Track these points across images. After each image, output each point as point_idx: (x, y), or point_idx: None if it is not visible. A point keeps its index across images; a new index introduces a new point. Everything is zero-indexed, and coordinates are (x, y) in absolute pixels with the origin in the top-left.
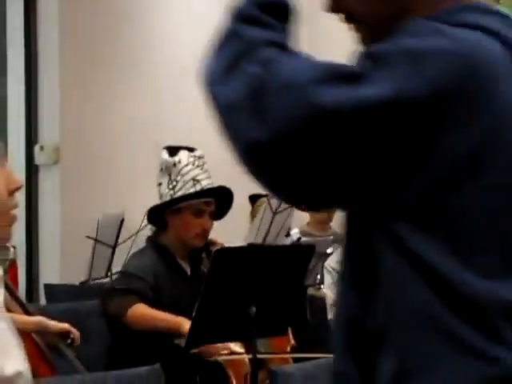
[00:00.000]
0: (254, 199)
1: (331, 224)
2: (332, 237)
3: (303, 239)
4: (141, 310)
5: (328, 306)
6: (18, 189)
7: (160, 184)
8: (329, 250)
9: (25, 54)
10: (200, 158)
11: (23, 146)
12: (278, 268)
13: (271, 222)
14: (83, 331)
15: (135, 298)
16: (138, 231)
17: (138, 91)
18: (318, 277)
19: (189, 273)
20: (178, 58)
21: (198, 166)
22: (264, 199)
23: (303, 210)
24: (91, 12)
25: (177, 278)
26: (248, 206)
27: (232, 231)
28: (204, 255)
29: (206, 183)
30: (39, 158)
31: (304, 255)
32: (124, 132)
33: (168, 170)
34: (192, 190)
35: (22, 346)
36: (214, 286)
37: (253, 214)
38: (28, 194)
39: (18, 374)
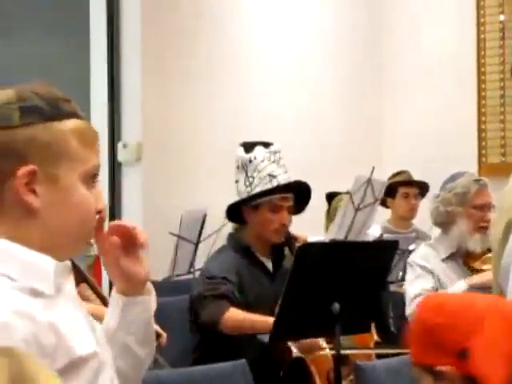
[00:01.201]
0: (330, 198)
1: (412, 221)
2: (414, 234)
3: (385, 236)
4: (235, 316)
5: (407, 302)
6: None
7: (237, 181)
8: (411, 247)
9: (107, 52)
10: (276, 152)
11: (106, 143)
12: (361, 264)
13: (353, 219)
14: (167, 327)
15: (226, 302)
16: (221, 228)
17: (221, 87)
18: (400, 273)
19: (271, 269)
20: (267, 53)
21: (273, 162)
22: (342, 196)
23: (387, 206)
24: (172, 7)
25: (259, 276)
26: (324, 205)
27: (308, 229)
28: (287, 251)
29: (282, 178)
30: (122, 155)
31: (388, 251)
32: (206, 129)
33: (244, 166)
34: (269, 186)
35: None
36: (298, 282)
37: (330, 213)
38: (111, 192)
39: (93, 354)
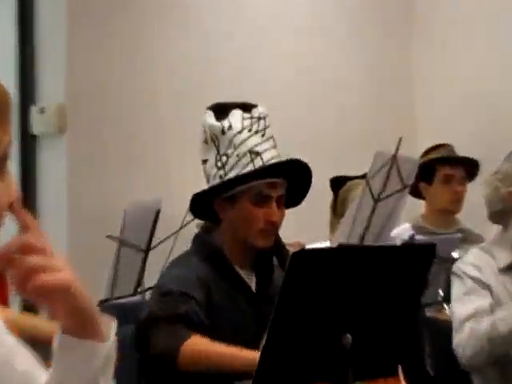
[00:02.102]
0: (337, 185)
1: (457, 216)
2: (460, 234)
3: (418, 237)
4: (199, 347)
5: (455, 327)
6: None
7: (205, 161)
8: (455, 254)
9: None
10: (260, 119)
11: (15, 108)
12: (382, 279)
13: (371, 215)
14: None
15: (186, 328)
16: (181, 228)
17: (183, 28)
18: (441, 292)
19: (254, 287)
20: None
21: (257, 132)
22: (356, 182)
23: (419, 195)
24: None
25: (236, 295)
26: (329, 195)
27: (307, 231)
28: (275, 261)
29: (269, 156)
30: (38, 124)
31: (420, 260)
32: (159, 88)
33: (215, 140)
34: (250, 168)
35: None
36: (292, 306)
37: (337, 207)
38: (22, 173)
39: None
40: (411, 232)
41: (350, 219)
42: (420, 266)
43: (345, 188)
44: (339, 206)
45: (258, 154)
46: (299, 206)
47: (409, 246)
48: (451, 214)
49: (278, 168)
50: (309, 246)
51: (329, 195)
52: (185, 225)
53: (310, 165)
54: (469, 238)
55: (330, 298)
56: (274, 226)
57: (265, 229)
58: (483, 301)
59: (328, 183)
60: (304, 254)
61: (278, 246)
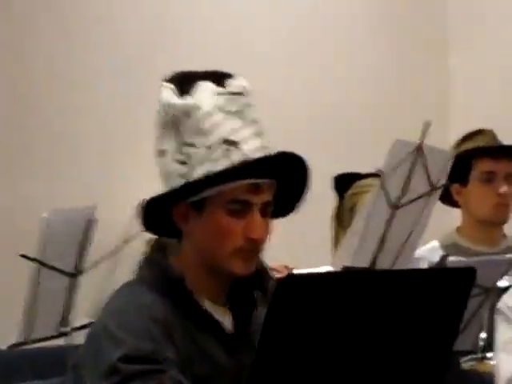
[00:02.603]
0: (343, 185)
1: (503, 231)
2: (509, 255)
3: (451, 259)
4: None
5: None
6: None
7: (162, 153)
8: (502, 283)
9: None
10: (238, 95)
11: None
12: (402, 316)
13: (388, 226)
14: None
15: None
16: (125, 244)
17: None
18: (482, 335)
19: (229, 328)
20: None
21: (234, 114)
22: (368, 183)
23: (451, 202)
24: None
25: (206, 341)
26: (330, 198)
27: (303, 245)
28: (257, 293)
29: (251, 147)
30: None
31: (454, 291)
32: (93, 61)
33: (176, 124)
34: (224, 164)
35: None
36: (278, 348)
37: (340, 215)
38: None
39: None
40: (441, 252)
41: (359, 232)
42: (453, 298)
43: (353, 190)
44: (345, 214)
45: (235, 144)
46: (290, 215)
47: (438, 270)
48: (496, 225)
49: (263, 165)
50: (300, 271)
51: (331, 200)
52: (127, 240)
53: (308, 160)
54: None
55: (329, 340)
56: (257, 245)
57: (244, 248)
58: None
59: (330, 184)
60: (294, 282)
61: (259, 270)
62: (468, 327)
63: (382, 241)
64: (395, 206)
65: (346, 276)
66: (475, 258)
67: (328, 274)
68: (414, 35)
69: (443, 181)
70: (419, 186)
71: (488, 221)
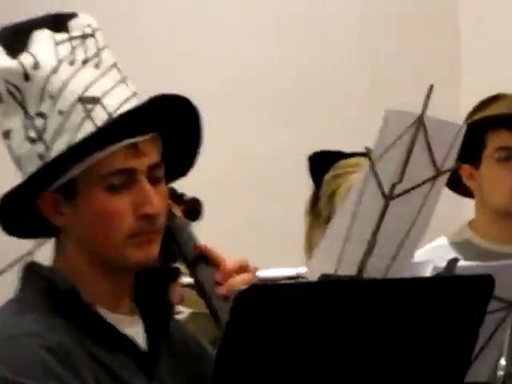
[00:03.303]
0: (320, 166)
1: None
2: None
3: (462, 264)
4: None
5: None
6: None
7: (7, 134)
8: None
9: None
10: (86, 37)
11: None
12: (398, 336)
13: (380, 220)
14: None
15: None
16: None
17: None
18: (502, 363)
19: (142, 342)
20: None
21: (86, 62)
22: (352, 162)
23: (465, 191)
24: None
25: (117, 360)
26: (305, 182)
27: (267, 240)
28: (181, 305)
29: (118, 100)
30: None
31: (467, 304)
32: None
33: (15, 93)
34: (88, 128)
35: None
36: (237, 373)
37: (318, 202)
38: None
39: None
40: (452, 253)
41: (341, 231)
42: (465, 315)
43: (333, 172)
44: (323, 203)
45: (95, 100)
46: (249, 201)
47: (445, 279)
48: None
49: (137, 118)
50: (264, 275)
51: (306, 185)
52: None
53: (269, 131)
54: None
55: (305, 363)
56: (154, 221)
57: (139, 230)
58: None
59: (306, 164)
60: (258, 293)
61: (169, 255)
62: (484, 352)
63: (372, 241)
64: (389, 197)
65: (324, 286)
66: (494, 263)
67: (300, 283)
68: None
69: (451, 163)
70: (420, 169)
71: (506, 212)
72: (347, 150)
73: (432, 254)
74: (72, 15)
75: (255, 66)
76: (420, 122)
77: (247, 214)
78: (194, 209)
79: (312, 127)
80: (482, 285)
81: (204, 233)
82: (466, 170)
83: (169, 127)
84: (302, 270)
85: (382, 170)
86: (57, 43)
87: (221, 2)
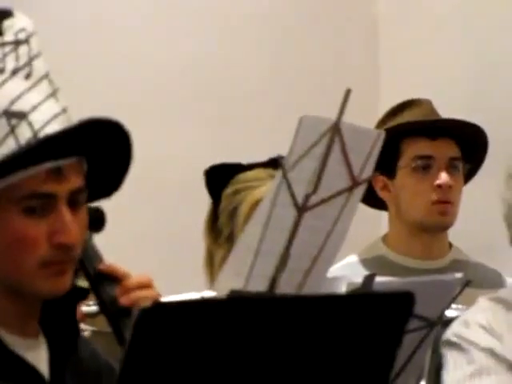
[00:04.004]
0: (219, 180)
1: (447, 239)
2: (458, 274)
3: (381, 280)
4: None
5: None
6: None
7: None
8: (452, 312)
9: None
10: (20, 43)
11: None
12: (310, 355)
13: (292, 234)
14: None
15: None
16: None
17: None
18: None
19: (46, 370)
20: None
21: (16, 72)
22: (255, 176)
23: (380, 204)
24: None
25: None
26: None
27: (168, 261)
28: (82, 323)
29: (45, 116)
30: None
31: (383, 324)
32: None
33: None
34: (10, 147)
35: None
36: None
37: (218, 219)
38: None
39: None
40: (363, 270)
41: (252, 244)
42: (382, 334)
43: (233, 187)
44: (223, 220)
45: (21, 115)
46: (144, 220)
47: (361, 296)
48: (435, 232)
49: (64, 140)
50: (168, 299)
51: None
52: None
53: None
54: (476, 278)
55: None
56: (69, 252)
57: (53, 259)
58: None
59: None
60: (162, 312)
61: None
62: (402, 374)
63: (285, 255)
64: (303, 208)
65: (232, 303)
66: (413, 279)
67: (207, 300)
68: None
69: (369, 172)
70: (336, 179)
71: (424, 226)
72: (261, 157)
73: (343, 271)
74: (7, 13)
75: (164, 69)
76: (336, 129)
77: (145, 226)
78: (96, 219)
79: (221, 134)
80: (401, 302)
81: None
82: (379, 180)
83: (96, 151)
84: (207, 293)
85: (295, 179)
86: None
87: (131, 2)
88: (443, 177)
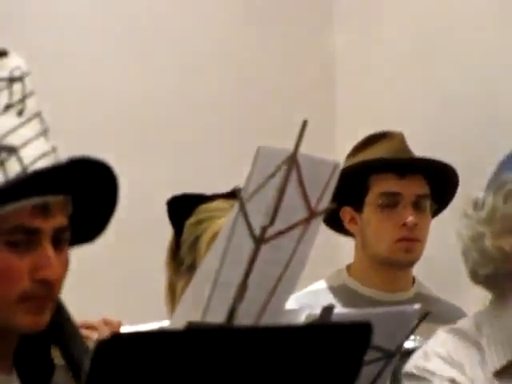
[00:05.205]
0: (181, 211)
1: (411, 274)
2: (417, 306)
3: (339, 311)
4: None
5: None
6: None
7: None
8: (410, 343)
9: None
10: (14, 81)
11: None
12: None
13: (250, 265)
14: None
15: None
16: None
17: None
18: None
19: None
20: None
21: (9, 108)
22: (216, 207)
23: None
24: None
25: None
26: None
27: (130, 293)
28: (57, 358)
29: (35, 153)
30: None
31: (342, 355)
32: None
33: None
34: None
35: None
36: None
37: (179, 250)
38: None
39: None
40: (329, 298)
41: (210, 275)
42: (340, 365)
43: (195, 218)
44: (185, 250)
45: (11, 150)
46: (105, 252)
47: (320, 327)
48: (399, 268)
49: (52, 177)
50: (127, 329)
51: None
52: None
53: (123, 170)
54: (437, 313)
55: None
56: (51, 288)
57: (33, 294)
58: None
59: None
60: (119, 343)
61: (61, 325)
62: None
63: (243, 287)
64: (260, 240)
65: (190, 334)
66: (371, 310)
67: (166, 332)
68: (293, 18)
69: (326, 203)
70: (293, 211)
71: (389, 261)
72: (218, 189)
73: (309, 299)
74: (2, 53)
75: (116, 103)
76: (293, 160)
77: (106, 258)
78: None
79: (177, 165)
80: (359, 333)
81: None
82: (347, 212)
83: (82, 191)
84: (167, 323)
85: (252, 211)
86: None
87: (95, 36)
88: (409, 215)
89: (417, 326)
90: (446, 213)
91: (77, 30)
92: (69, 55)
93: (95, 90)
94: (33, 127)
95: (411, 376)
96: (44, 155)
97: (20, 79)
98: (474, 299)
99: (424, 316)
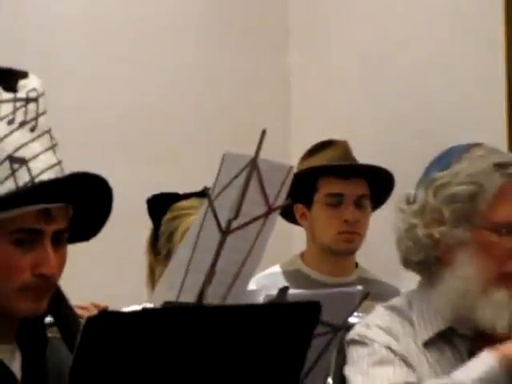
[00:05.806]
0: (158, 208)
1: (354, 260)
2: (359, 287)
3: (292, 292)
4: None
5: None
6: None
7: None
8: (354, 319)
9: None
10: (29, 101)
11: None
12: (234, 357)
13: (217, 253)
14: None
15: None
16: None
17: None
18: (329, 381)
19: (18, 372)
20: None
21: (23, 124)
22: (189, 204)
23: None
24: None
25: None
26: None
27: (116, 279)
28: (54, 331)
29: (42, 165)
30: None
31: (295, 329)
32: None
33: None
34: (9, 186)
35: None
36: None
37: (158, 241)
38: None
39: None
40: (283, 281)
41: (183, 262)
42: (294, 338)
43: (171, 214)
44: (162, 243)
45: (22, 161)
46: (96, 244)
47: (276, 305)
48: (342, 255)
49: (55, 187)
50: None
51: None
52: None
53: (115, 177)
54: (376, 292)
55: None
56: (49, 281)
57: (33, 285)
58: (403, 376)
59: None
60: (106, 319)
61: (59, 306)
62: (312, 372)
63: (211, 272)
64: (226, 231)
65: (166, 312)
66: (320, 291)
67: (146, 310)
68: (252, 36)
69: (282, 200)
70: (254, 207)
71: (333, 250)
72: (190, 189)
73: (266, 281)
74: (23, 74)
75: (101, 107)
76: (254, 164)
77: (99, 250)
78: None
79: (156, 168)
80: (310, 311)
81: None
82: (299, 209)
83: (80, 200)
84: (147, 305)
85: (219, 207)
86: (1, 101)
87: (76, 51)
88: (350, 213)
89: (359, 304)
90: (385, 209)
91: (64, 42)
92: (55, 68)
93: (77, 108)
94: (42, 142)
95: (354, 341)
96: (50, 167)
97: (35, 100)
98: (407, 280)
99: (365, 296)
